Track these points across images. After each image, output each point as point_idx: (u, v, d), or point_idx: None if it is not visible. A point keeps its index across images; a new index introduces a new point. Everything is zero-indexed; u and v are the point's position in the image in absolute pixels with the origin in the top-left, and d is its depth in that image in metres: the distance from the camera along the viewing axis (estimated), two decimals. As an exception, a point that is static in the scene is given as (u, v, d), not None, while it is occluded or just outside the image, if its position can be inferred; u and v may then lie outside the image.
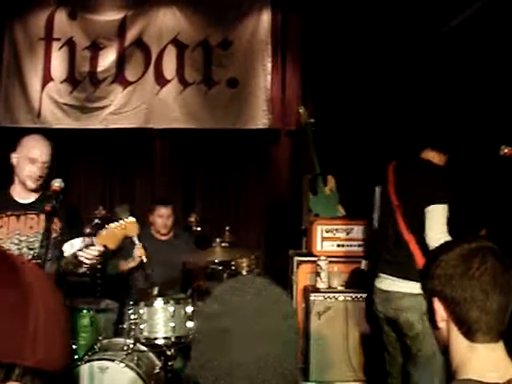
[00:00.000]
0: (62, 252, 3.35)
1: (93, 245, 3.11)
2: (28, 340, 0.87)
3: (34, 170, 3.28)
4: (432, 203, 3.52)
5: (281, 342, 1.24)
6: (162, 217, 5.17)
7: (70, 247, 3.30)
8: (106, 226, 3.18)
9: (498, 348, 1.50)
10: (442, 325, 1.54)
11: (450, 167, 3.79)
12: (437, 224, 3.52)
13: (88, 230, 5.36)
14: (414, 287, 3.43)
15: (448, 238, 3.45)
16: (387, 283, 3.73)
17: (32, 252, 3.25)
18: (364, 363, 4.72)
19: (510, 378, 1.43)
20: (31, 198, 3.38)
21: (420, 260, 3.51)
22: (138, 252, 4.59)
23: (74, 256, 3.12)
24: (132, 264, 4.85)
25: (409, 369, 3.66)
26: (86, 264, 3.14)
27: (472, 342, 1.49)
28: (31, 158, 3.27)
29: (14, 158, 3.33)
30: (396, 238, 3.71)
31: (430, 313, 1.57)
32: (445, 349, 1.57)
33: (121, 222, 3.19)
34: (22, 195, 3.38)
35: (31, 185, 3.32)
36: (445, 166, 3.77)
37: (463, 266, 1.50)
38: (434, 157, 3.76)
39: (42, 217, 3.28)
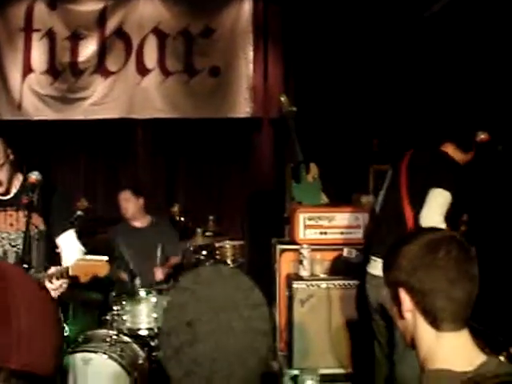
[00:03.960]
0: (54, 244, 3.35)
1: (67, 272, 3.05)
2: (12, 344, 0.87)
3: None
4: (437, 187, 3.50)
5: (252, 332, 1.25)
6: (121, 201, 5.25)
7: (67, 241, 3.32)
8: (82, 257, 3.15)
9: (464, 335, 1.51)
10: (407, 315, 1.55)
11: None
12: (436, 206, 3.49)
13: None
14: None
15: (442, 224, 3.41)
16: (379, 267, 3.69)
17: (15, 249, 3.24)
18: (347, 350, 4.74)
19: (480, 364, 1.45)
20: (9, 193, 3.32)
21: None
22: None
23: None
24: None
25: (394, 359, 3.69)
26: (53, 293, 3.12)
27: (438, 330, 1.50)
28: None
29: None
30: (397, 217, 3.69)
31: (396, 303, 1.58)
32: (411, 339, 1.58)
33: (95, 257, 3.14)
34: None
35: None
36: (464, 163, 3.75)
37: (428, 255, 1.50)
38: (453, 152, 3.75)
39: (21, 213, 3.23)
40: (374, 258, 3.80)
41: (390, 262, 1.58)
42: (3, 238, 3.25)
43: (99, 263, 3.12)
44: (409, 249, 1.54)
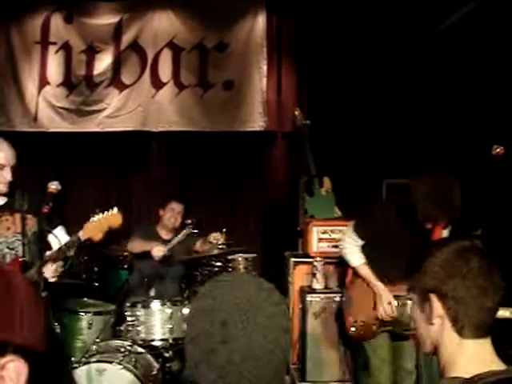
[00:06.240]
0: (47, 244, 3.40)
1: (79, 240, 3.18)
2: (16, 319, 0.98)
3: (4, 176, 3.29)
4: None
5: (276, 328, 1.27)
6: (173, 211, 5.24)
7: (55, 239, 3.36)
8: (90, 218, 3.23)
9: (487, 343, 1.52)
10: (436, 321, 1.55)
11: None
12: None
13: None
14: None
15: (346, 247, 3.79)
16: None
17: (14, 252, 3.30)
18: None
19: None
20: (2, 199, 3.41)
21: None
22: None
23: (59, 250, 3.20)
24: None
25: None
26: (50, 278, 3.19)
27: (464, 338, 1.51)
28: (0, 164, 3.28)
29: None
30: None
31: (422, 309, 1.58)
32: (433, 346, 1.58)
33: (105, 213, 3.24)
34: None
35: (3, 190, 3.35)
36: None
37: (462, 264, 1.51)
38: None
39: (17, 215, 3.35)
40: None
41: (418, 266, 1.58)
42: (1, 243, 3.32)
43: (111, 215, 3.19)
44: (440, 255, 1.55)
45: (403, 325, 3.59)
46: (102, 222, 3.20)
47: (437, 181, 3.27)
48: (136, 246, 5.06)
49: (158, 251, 4.87)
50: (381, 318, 3.63)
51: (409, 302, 3.49)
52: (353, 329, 3.75)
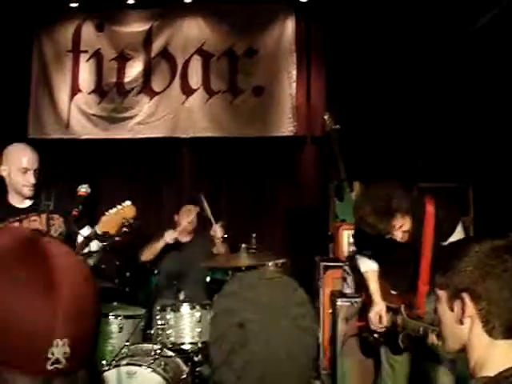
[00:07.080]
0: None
1: (96, 233, 3.22)
2: (51, 316, 0.92)
3: (28, 179, 3.41)
4: None
5: (299, 329, 1.24)
6: (189, 213, 5.27)
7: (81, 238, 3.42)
8: (105, 212, 3.26)
9: None
10: (466, 320, 1.51)
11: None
12: None
13: (117, 239, 5.40)
14: None
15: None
16: None
17: None
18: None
19: (503, 370, 1.41)
20: (28, 202, 3.52)
21: None
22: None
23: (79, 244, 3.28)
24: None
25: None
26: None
27: (494, 338, 1.48)
28: (23, 168, 3.40)
29: (3, 170, 3.45)
30: None
31: (452, 308, 1.54)
32: (461, 345, 1.54)
33: (118, 206, 3.27)
34: (18, 201, 3.52)
35: (28, 193, 3.46)
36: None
37: (496, 264, 1.47)
38: None
39: (43, 216, 3.43)
40: None
41: (452, 264, 1.54)
42: None
43: (124, 208, 3.24)
44: (474, 254, 1.51)
45: (395, 342, 3.54)
46: (117, 215, 3.24)
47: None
48: (148, 252, 5.12)
49: (172, 235, 5.01)
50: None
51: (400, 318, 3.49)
52: (364, 334, 3.77)
